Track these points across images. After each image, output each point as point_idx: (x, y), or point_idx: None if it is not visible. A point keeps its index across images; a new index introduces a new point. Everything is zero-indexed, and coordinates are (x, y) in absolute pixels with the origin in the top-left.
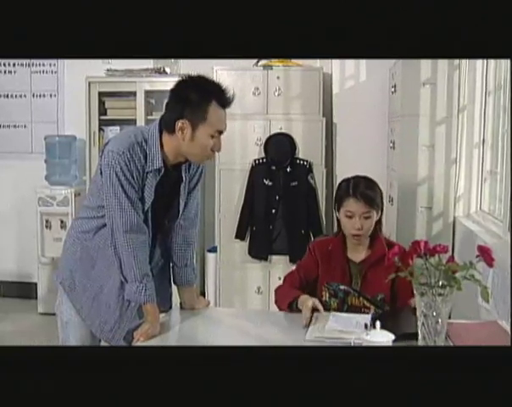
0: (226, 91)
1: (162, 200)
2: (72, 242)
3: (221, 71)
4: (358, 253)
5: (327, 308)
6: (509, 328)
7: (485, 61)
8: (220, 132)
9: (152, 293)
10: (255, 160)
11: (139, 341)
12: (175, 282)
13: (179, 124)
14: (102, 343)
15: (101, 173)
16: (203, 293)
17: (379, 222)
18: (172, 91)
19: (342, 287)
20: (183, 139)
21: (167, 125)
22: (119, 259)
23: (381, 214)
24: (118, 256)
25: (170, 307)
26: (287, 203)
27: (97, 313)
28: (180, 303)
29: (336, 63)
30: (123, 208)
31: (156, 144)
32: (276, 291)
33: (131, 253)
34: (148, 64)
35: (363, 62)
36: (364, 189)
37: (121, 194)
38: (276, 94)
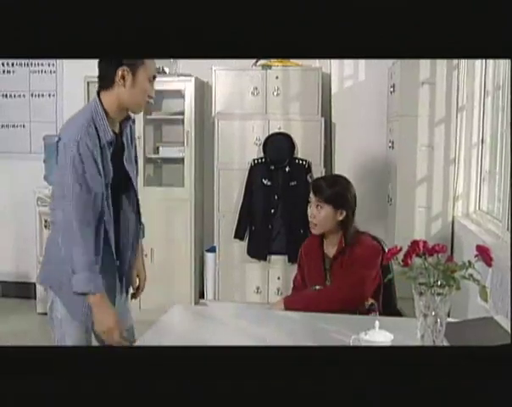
0: None
1: (117, 173)
2: (51, 243)
3: (220, 71)
4: (332, 248)
5: None
6: (505, 323)
7: (484, 61)
8: (154, 77)
9: (99, 284)
10: (254, 160)
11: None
12: None
13: (119, 72)
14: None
15: (58, 166)
16: (202, 293)
17: (345, 222)
18: None
19: (317, 288)
20: (124, 86)
21: (105, 81)
22: (68, 248)
23: (348, 215)
24: (67, 245)
25: None
26: (286, 203)
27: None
28: None
29: (334, 63)
30: (77, 197)
31: (103, 116)
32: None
33: (82, 243)
34: None
35: (362, 62)
36: (320, 183)
37: (75, 184)
38: (275, 94)
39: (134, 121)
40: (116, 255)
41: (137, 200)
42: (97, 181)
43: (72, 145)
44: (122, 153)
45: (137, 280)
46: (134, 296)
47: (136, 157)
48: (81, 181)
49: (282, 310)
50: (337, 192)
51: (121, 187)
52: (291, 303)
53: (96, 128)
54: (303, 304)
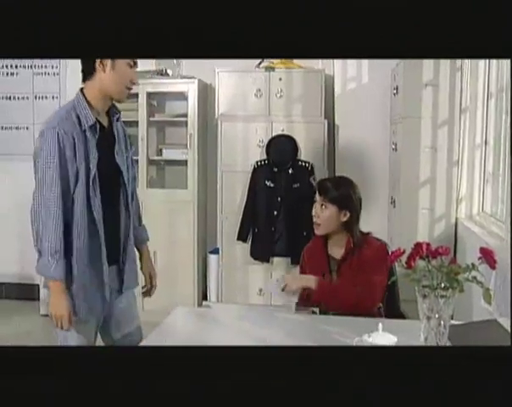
0: None
1: (107, 164)
2: None
3: (223, 73)
4: (338, 249)
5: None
6: (508, 326)
7: (487, 63)
8: (135, 63)
9: (61, 271)
10: (257, 162)
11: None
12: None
13: None
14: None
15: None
16: (205, 295)
17: (349, 223)
18: None
19: None
20: (104, 71)
21: (87, 71)
22: (36, 231)
23: (353, 216)
24: (36, 227)
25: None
26: (289, 205)
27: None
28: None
29: (337, 64)
30: (51, 181)
31: (84, 105)
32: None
33: (47, 226)
34: (150, 65)
35: (365, 63)
36: (326, 183)
37: (46, 163)
38: (278, 96)
39: (136, 122)
40: (109, 251)
41: (127, 196)
42: (72, 165)
43: (50, 131)
44: (113, 145)
45: (149, 278)
46: (148, 294)
47: (131, 158)
48: (52, 162)
49: (311, 287)
50: (342, 192)
51: (111, 181)
52: (322, 285)
53: (77, 116)
54: (332, 292)
